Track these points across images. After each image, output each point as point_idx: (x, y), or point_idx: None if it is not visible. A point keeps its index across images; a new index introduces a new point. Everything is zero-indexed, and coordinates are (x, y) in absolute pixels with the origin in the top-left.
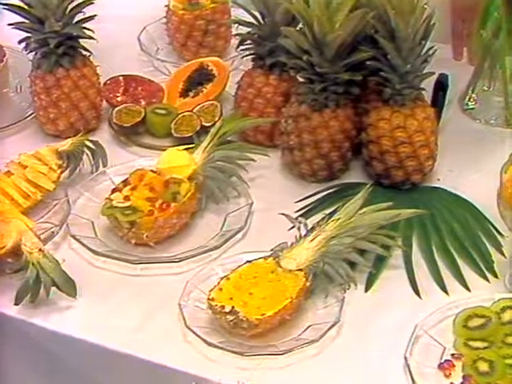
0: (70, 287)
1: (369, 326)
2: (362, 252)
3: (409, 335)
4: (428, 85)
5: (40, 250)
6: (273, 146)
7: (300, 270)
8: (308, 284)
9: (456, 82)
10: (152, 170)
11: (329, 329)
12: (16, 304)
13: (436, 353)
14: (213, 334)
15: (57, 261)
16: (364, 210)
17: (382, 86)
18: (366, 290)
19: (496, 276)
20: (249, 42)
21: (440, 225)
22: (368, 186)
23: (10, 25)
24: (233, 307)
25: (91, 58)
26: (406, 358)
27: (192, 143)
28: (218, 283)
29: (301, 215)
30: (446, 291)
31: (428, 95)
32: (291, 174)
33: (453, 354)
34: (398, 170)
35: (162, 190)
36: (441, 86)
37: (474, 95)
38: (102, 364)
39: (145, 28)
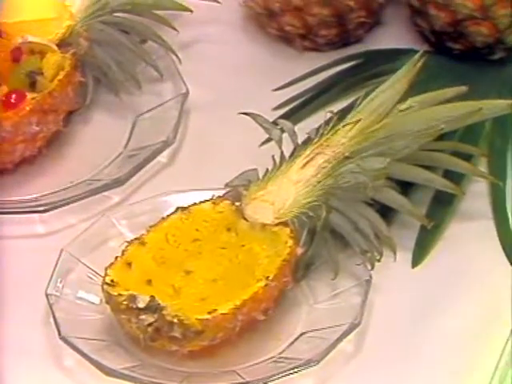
0: None
1: (418, 333)
2: (404, 187)
3: (498, 351)
4: None
5: None
6: None
7: (283, 223)
8: (299, 251)
9: None
10: None
11: (340, 339)
12: None
13: None
14: (114, 353)
15: None
16: (409, 102)
17: None
18: (415, 263)
19: None
20: None
21: None
22: (418, 54)
23: None
24: (152, 298)
25: None
26: None
27: None
28: (123, 253)
29: (283, 116)
30: None
31: None
32: (264, 35)
33: None
34: (480, 24)
35: (8, 67)
36: None
37: None
38: None
39: None
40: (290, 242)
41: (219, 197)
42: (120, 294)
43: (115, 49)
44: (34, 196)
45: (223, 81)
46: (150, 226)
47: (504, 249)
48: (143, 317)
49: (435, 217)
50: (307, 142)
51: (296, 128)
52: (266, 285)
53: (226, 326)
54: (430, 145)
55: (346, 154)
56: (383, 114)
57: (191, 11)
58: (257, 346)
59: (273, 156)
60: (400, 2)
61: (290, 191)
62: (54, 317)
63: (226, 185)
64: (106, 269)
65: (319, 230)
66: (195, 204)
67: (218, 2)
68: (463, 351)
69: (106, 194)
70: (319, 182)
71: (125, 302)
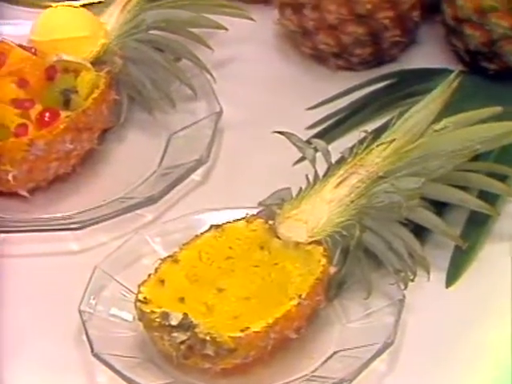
0: None
1: (451, 353)
2: (439, 207)
3: None
4: None
5: None
6: (261, 1)
7: (316, 242)
8: (332, 270)
9: None
10: (22, 46)
11: (373, 358)
12: None
13: None
14: (147, 370)
15: None
16: (444, 122)
17: None
18: (449, 283)
19: None
20: None
21: None
22: (453, 74)
23: None
24: (185, 316)
25: None
26: None
27: None
28: (156, 270)
29: (317, 135)
30: None
31: None
32: (298, 54)
33: None
34: None
35: (43, 86)
36: None
37: None
38: None
39: None
40: (323, 261)
41: (253, 215)
42: (153, 312)
43: (150, 67)
44: (68, 214)
45: (257, 99)
46: (184, 244)
47: None
48: (176, 334)
49: (469, 237)
50: (341, 161)
51: (330, 147)
52: (298, 303)
53: (258, 344)
54: (464, 165)
55: (380, 174)
56: (418, 134)
57: (226, 29)
58: (289, 364)
59: (306, 175)
60: (435, 21)
61: (323, 210)
62: (86, 333)
63: (260, 203)
64: (139, 286)
65: (352, 249)
66: (229, 222)
67: (253, 20)
68: (497, 371)
69: (139, 211)
70: (353, 201)
71: (157, 320)
